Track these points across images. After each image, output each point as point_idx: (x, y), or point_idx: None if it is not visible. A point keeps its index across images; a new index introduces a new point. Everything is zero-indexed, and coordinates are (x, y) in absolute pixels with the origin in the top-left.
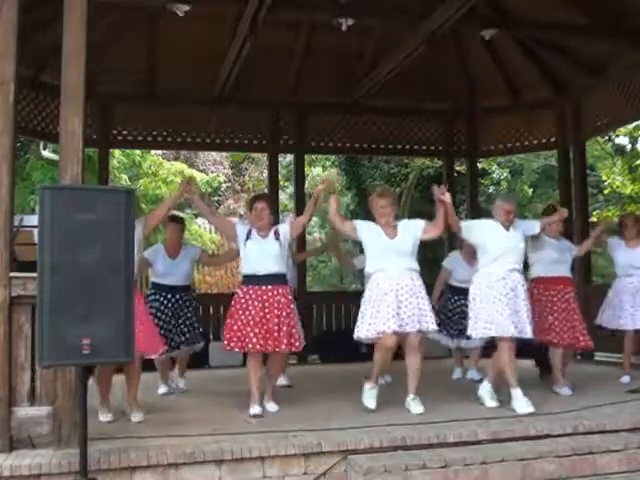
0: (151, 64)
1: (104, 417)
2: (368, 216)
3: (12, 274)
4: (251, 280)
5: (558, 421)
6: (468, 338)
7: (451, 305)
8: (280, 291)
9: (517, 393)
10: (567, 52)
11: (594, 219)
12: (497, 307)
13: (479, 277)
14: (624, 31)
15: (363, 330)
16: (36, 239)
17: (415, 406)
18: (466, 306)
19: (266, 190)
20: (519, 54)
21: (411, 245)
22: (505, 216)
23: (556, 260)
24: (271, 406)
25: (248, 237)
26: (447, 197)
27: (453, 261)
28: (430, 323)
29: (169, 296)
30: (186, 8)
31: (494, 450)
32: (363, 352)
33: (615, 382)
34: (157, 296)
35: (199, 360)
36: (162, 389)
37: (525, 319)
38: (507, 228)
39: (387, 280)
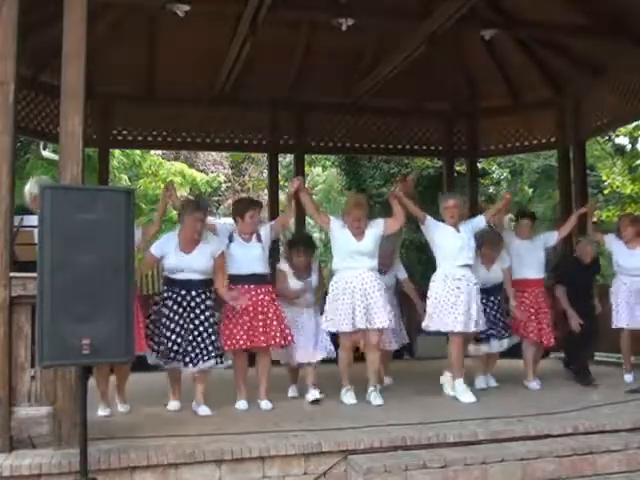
0: (151, 64)
1: (103, 411)
2: (369, 216)
3: (12, 274)
4: (236, 280)
5: (558, 421)
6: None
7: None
8: (263, 290)
9: (459, 385)
10: (567, 52)
11: (594, 219)
12: (449, 304)
13: (436, 276)
14: (624, 31)
15: (326, 323)
16: (36, 239)
17: (375, 398)
18: (487, 306)
19: (266, 190)
20: (519, 54)
21: (373, 246)
22: (448, 214)
23: (524, 260)
24: (265, 404)
25: (231, 240)
26: (400, 195)
27: None
28: (382, 321)
29: (183, 292)
30: (186, 8)
31: (494, 450)
32: (363, 352)
33: (615, 382)
34: (170, 293)
35: None
36: (173, 404)
37: (480, 313)
38: (457, 228)
39: (349, 279)
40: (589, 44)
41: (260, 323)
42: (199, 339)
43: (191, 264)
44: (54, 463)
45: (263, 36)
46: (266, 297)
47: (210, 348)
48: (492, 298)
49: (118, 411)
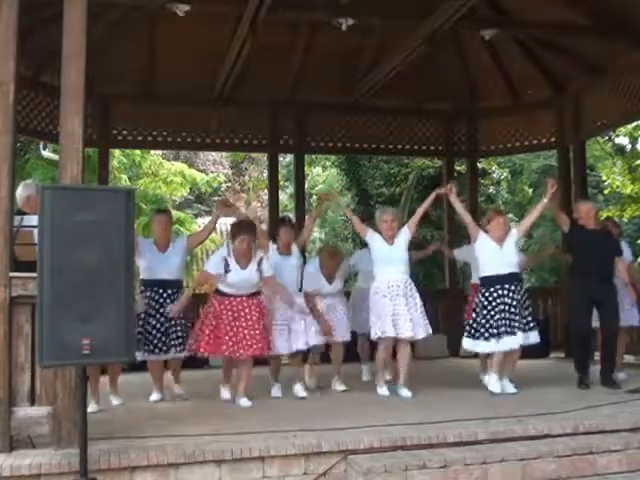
0: (151, 64)
1: (90, 408)
2: (368, 216)
3: (12, 274)
4: (228, 295)
5: (558, 421)
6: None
7: (488, 301)
8: (254, 301)
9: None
10: (567, 52)
11: None
12: (383, 311)
13: (374, 284)
14: (624, 31)
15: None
16: (36, 239)
17: (300, 391)
18: (509, 297)
19: (266, 190)
20: (519, 54)
21: (299, 260)
22: (384, 227)
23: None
24: (244, 402)
25: (227, 270)
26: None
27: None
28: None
29: (160, 290)
30: (186, 8)
31: (494, 450)
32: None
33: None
34: (148, 292)
35: (199, 360)
36: (154, 396)
37: (406, 320)
38: (391, 241)
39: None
40: (589, 44)
41: (245, 333)
42: (176, 327)
43: (167, 263)
44: (54, 463)
45: (263, 36)
46: (257, 308)
47: (181, 340)
48: (512, 287)
49: (112, 404)
